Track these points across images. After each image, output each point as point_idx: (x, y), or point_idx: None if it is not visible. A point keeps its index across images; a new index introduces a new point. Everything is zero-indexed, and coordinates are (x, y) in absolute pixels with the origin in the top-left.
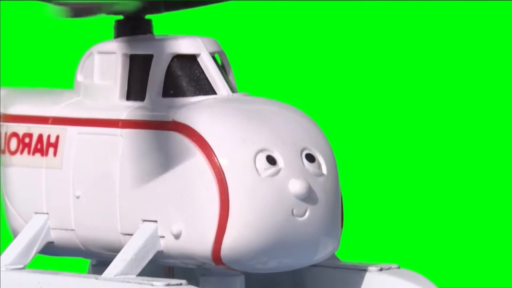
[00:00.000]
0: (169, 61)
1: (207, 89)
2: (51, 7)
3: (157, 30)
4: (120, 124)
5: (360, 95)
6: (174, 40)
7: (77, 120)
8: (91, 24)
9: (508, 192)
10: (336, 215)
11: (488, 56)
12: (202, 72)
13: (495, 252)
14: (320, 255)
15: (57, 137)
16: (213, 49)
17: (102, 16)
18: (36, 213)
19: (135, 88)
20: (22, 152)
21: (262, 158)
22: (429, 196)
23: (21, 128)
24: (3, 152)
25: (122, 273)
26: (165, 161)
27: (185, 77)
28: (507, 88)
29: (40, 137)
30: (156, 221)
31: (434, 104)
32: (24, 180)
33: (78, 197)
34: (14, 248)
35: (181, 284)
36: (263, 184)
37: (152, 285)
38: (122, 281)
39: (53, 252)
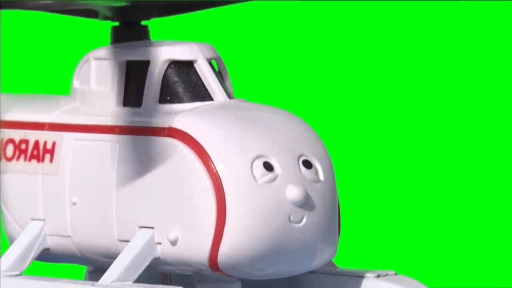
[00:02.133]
0: (165, 67)
1: (204, 95)
2: None
3: (153, 36)
4: (116, 130)
5: (357, 101)
6: (170, 46)
7: (73, 126)
8: (88, 30)
9: (505, 198)
10: (333, 221)
11: (480, 57)
12: (199, 78)
13: (492, 258)
14: (317, 262)
15: (54, 143)
16: (210, 55)
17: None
18: (33, 219)
19: (132, 94)
20: (18, 159)
21: (259, 164)
22: (426, 203)
23: (17, 134)
24: None
25: (118, 280)
26: (161, 167)
27: (182, 83)
28: (501, 89)
29: (37, 143)
30: (153, 228)
31: (429, 110)
32: (21, 186)
33: (74, 203)
34: (11, 255)
35: None
36: (260, 191)
37: None
38: None
39: (49, 259)
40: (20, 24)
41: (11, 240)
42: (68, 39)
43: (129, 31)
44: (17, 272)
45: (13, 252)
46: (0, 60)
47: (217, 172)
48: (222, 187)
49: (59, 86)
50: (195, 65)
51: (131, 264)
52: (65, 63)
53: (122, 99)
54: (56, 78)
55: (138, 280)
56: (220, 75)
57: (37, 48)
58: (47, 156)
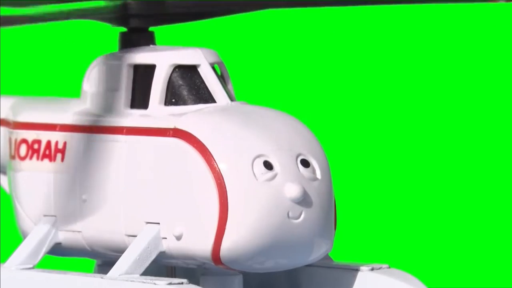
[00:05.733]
0: (171, 71)
1: (207, 97)
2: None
3: (159, 42)
4: (124, 131)
5: (352, 103)
6: (175, 51)
7: (83, 127)
8: (97, 35)
9: (497, 193)
10: (330, 217)
11: (478, 59)
12: (202, 81)
13: (484, 252)
14: (315, 256)
15: (65, 143)
16: (213, 59)
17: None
18: (45, 215)
19: (139, 96)
20: (31, 158)
21: (259, 163)
22: (418, 200)
23: (30, 135)
24: (13, 157)
25: (126, 273)
26: (167, 166)
27: (186, 86)
28: (490, 90)
29: (48, 143)
30: (158, 223)
31: (423, 110)
32: (33, 184)
33: (84, 201)
34: (24, 249)
35: (182, 283)
36: (260, 188)
37: (155, 284)
38: (126, 280)
39: (60, 253)
40: (33, 31)
41: (24, 235)
42: (79, 45)
43: (136, 37)
44: (30, 266)
45: (26, 247)
46: (14, 64)
47: (220, 171)
48: (225, 185)
49: (70, 89)
50: (199, 69)
51: (138, 258)
52: (75, 67)
53: (129, 101)
54: (67, 81)
55: (144, 273)
56: (222, 78)
57: (49, 53)
58: (59, 155)
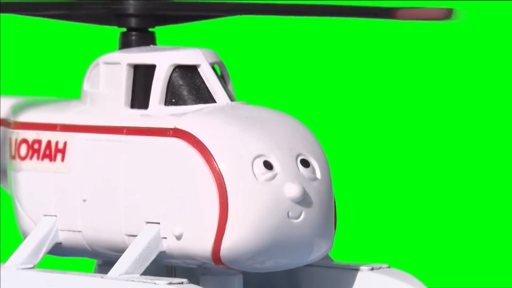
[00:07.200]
0: (171, 71)
1: (207, 97)
2: None
3: (159, 42)
4: (124, 131)
5: (352, 103)
6: (175, 51)
7: (83, 127)
8: (97, 36)
9: (496, 193)
10: (330, 217)
11: (477, 60)
12: (203, 81)
13: (484, 252)
14: (315, 255)
15: (65, 143)
16: (213, 60)
17: None
18: (45, 215)
19: (139, 96)
20: (31, 158)
21: (259, 163)
22: (417, 200)
23: (30, 135)
24: (14, 157)
25: (126, 273)
26: (167, 166)
27: (186, 86)
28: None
29: (49, 143)
30: (159, 223)
31: (423, 110)
32: (34, 184)
33: (84, 200)
34: (24, 249)
35: (182, 283)
36: (260, 188)
37: (155, 283)
38: (127, 280)
39: (61, 253)
40: (33, 31)
41: (25, 235)
42: (79, 45)
43: (137, 37)
44: (31, 265)
45: (26, 247)
46: (14, 65)
47: (220, 171)
48: (225, 185)
49: (70, 89)
50: (199, 69)
51: (138, 257)
52: (76, 68)
53: (130, 101)
54: (67, 81)
55: (145, 273)
56: (222, 78)
57: (49, 54)
58: (59, 155)
